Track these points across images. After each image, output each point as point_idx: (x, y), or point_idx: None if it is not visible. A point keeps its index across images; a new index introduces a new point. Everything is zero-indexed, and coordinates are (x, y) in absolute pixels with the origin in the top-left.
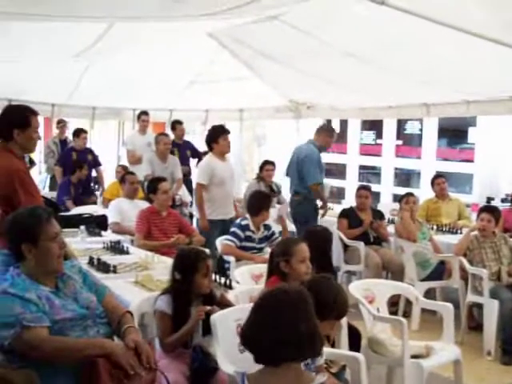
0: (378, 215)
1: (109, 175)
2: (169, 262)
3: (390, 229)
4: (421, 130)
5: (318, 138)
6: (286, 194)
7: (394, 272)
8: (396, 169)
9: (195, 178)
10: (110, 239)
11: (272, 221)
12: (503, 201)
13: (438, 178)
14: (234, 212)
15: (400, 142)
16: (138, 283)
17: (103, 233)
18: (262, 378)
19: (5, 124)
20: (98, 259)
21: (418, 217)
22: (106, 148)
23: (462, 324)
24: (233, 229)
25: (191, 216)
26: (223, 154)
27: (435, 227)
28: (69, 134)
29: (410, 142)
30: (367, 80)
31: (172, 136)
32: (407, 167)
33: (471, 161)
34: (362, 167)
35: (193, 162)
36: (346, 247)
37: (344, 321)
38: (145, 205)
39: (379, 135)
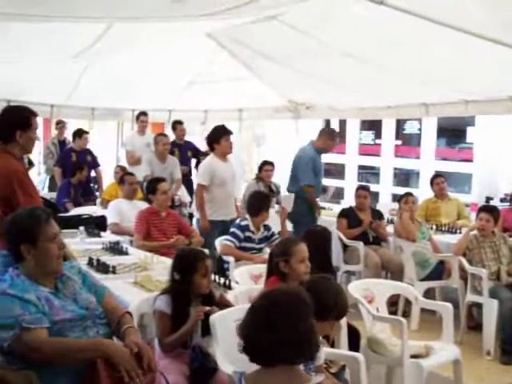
0: (378, 215)
1: (108, 176)
2: (168, 262)
3: (390, 229)
4: (420, 129)
5: (319, 140)
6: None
7: (394, 272)
8: (395, 169)
9: (196, 179)
10: (109, 240)
11: (274, 213)
12: (502, 200)
13: (437, 178)
14: (236, 213)
15: (399, 142)
16: (138, 284)
17: (102, 233)
18: (259, 378)
19: (6, 125)
20: (98, 260)
21: (418, 217)
22: (105, 149)
23: (462, 324)
24: (232, 229)
25: (190, 216)
26: (225, 155)
27: (434, 227)
28: (68, 135)
29: (408, 142)
30: (366, 80)
31: (172, 136)
32: (406, 167)
33: (470, 160)
34: (360, 167)
35: (193, 162)
36: (345, 247)
37: (343, 321)
38: (144, 205)
39: (378, 135)
